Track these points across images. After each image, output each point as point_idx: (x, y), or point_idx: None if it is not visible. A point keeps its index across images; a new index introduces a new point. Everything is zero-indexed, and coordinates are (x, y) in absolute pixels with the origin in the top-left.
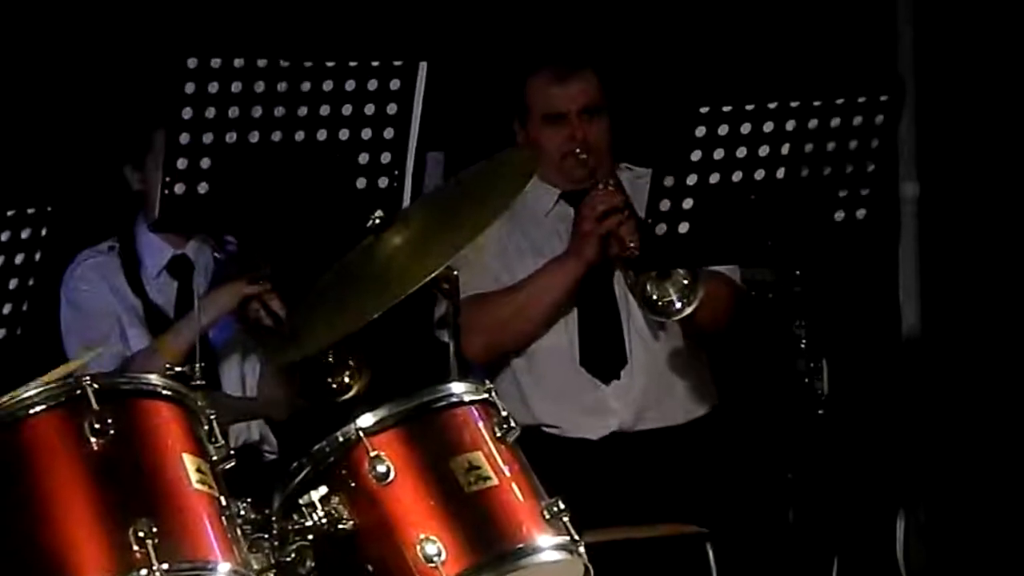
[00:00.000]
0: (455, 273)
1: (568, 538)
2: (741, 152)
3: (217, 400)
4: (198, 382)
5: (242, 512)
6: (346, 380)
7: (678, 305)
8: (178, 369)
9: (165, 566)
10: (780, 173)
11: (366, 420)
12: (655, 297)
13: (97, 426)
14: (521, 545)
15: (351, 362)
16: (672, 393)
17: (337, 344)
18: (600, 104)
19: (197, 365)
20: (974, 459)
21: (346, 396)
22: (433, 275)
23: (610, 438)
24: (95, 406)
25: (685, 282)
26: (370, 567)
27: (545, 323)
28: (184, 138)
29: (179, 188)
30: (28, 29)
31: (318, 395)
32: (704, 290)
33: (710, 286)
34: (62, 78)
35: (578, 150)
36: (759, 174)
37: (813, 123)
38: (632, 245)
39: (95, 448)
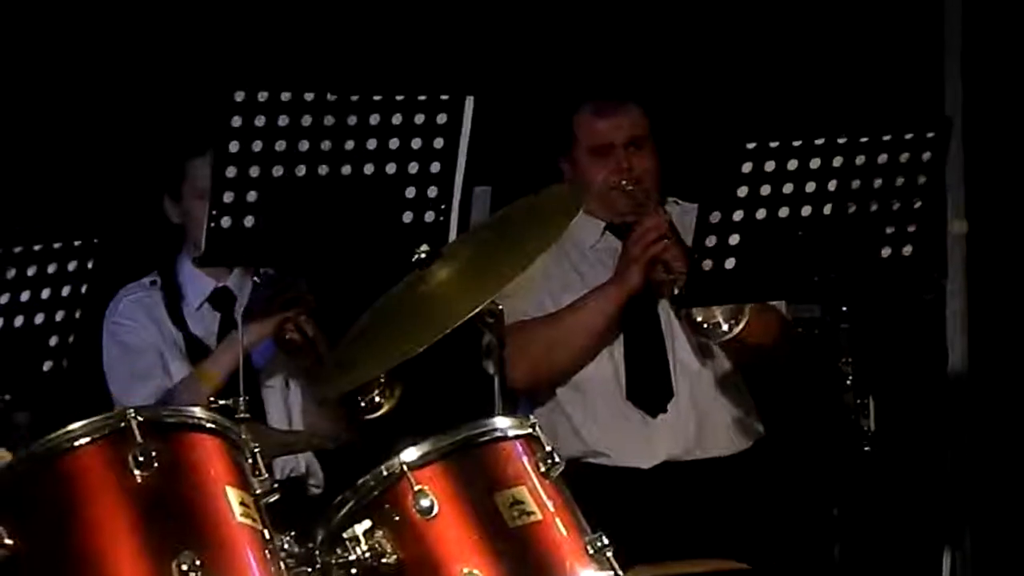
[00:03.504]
0: (500, 307)
1: (611, 573)
2: (788, 188)
3: (261, 433)
4: (242, 415)
5: (286, 546)
6: (376, 399)
7: (725, 327)
8: (222, 402)
9: None
10: (827, 209)
11: (410, 454)
12: (700, 319)
13: (141, 459)
14: None
15: (381, 379)
16: (717, 424)
17: None
18: (646, 136)
19: (241, 398)
20: (1020, 495)
21: (376, 414)
22: (478, 310)
23: (661, 467)
24: (139, 439)
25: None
26: None
27: (589, 350)
28: (231, 171)
29: (225, 222)
30: (68, 65)
31: (348, 413)
32: (750, 312)
33: (757, 308)
34: (105, 112)
35: (624, 181)
36: (806, 210)
37: (860, 159)
38: (679, 269)
39: (139, 481)
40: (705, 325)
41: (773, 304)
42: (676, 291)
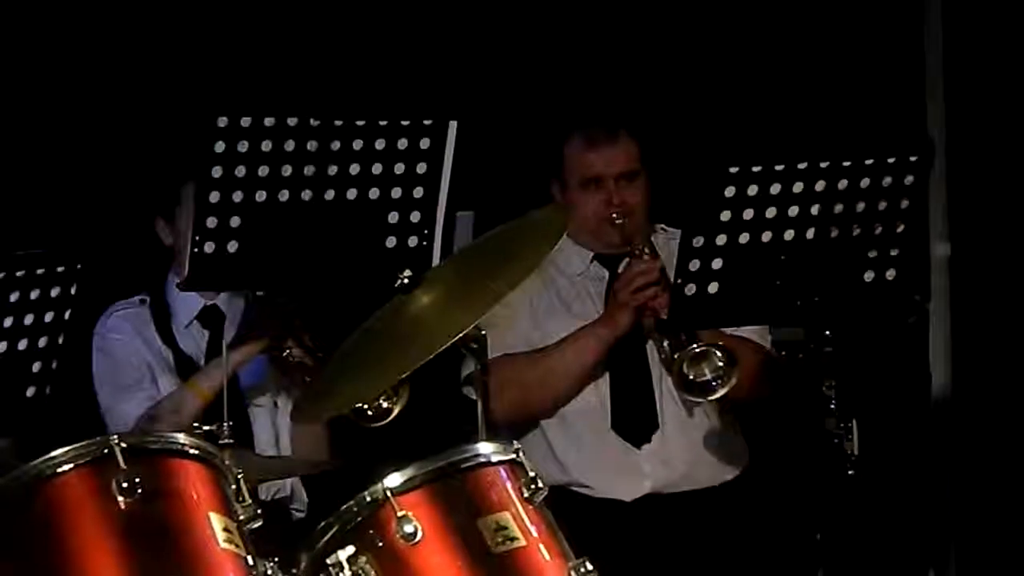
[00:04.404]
0: (483, 333)
1: None
2: (771, 212)
3: (245, 459)
4: (226, 440)
5: (269, 572)
6: (384, 404)
7: (713, 385)
8: (206, 428)
9: None
10: (810, 233)
11: (394, 480)
12: (691, 377)
13: (125, 485)
14: None
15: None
16: (705, 456)
17: None
18: (637, 168)
19: (225, 424)
20: (1004, 520)
21: (386, 420)
22: (461, 335)
23: (643, 500)
24: (123, 465)
25: (721, 363)
26: None
27: (574, 388)
28: (214, 197)
29: (208, 247)
30: (59, 86)
31: (356, 421)
32: (740, 371)
33: (744, 361)
34: (94, 134)
35: (615, 215)
36: (789, 234)
37: (843, 183)
38: (665, 318)
39: (122, 507)
40: (695, 384)
41: (756, 340)
42: (664, 346)
